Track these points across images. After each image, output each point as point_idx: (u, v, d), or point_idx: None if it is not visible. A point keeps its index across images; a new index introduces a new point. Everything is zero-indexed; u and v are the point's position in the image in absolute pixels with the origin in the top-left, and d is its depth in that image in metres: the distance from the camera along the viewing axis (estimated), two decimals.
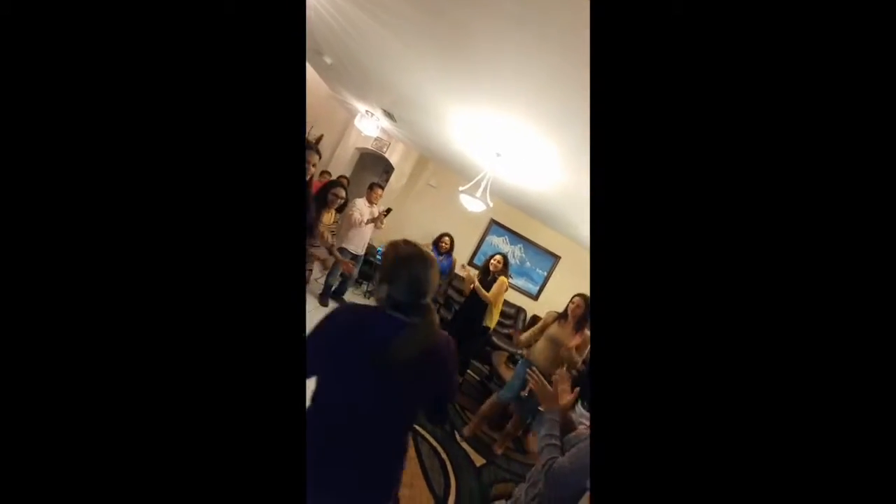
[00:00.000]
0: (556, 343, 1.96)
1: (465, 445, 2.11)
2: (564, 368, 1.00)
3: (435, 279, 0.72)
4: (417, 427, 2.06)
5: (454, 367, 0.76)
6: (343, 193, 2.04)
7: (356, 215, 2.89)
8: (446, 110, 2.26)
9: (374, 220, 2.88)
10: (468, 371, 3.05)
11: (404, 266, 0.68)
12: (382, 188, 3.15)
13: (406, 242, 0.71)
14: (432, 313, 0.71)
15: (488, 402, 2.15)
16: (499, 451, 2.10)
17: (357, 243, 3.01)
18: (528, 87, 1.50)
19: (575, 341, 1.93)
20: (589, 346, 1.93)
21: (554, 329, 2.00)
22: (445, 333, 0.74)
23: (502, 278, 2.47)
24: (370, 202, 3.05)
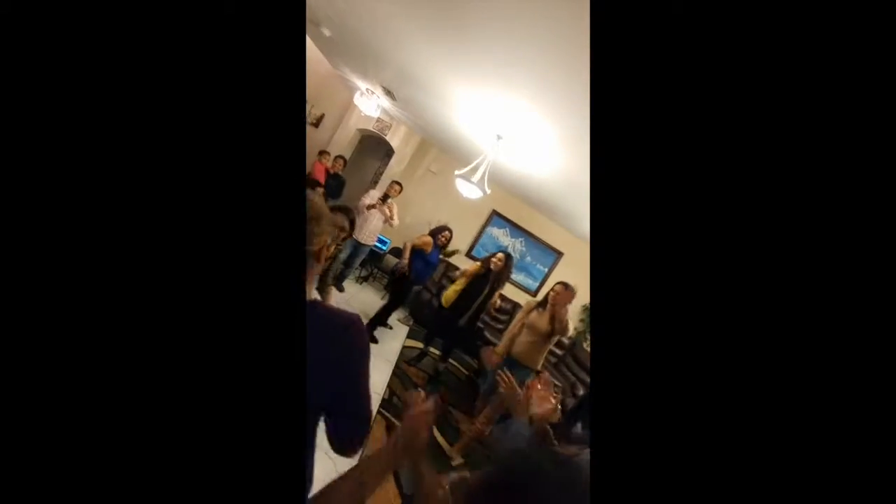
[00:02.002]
0: (533, 332, 1.93)
1: (442, 441, 2.00)
2: (546, 374, 0.86)
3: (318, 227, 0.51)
4: (385, 412, 1.97)
5: (358, 361, 0.53)
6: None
7: (364, 200, 2.98)
8: (447, 88, 2.11)
9: (373, 206, 2.88)
10: (451, 361, 2.97)
11: None
12: (401, 187, 3.14)
13: None
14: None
15: (479, 403, 2.05)
16: (456, 456, 1.95)
17: (365, 231, 3.02)
18: (533, 66, 1.37)
19: (532, 316, 1.92)
20: (566, 331, 1.91)
21: (532, 317, 1.98)
22: (348, 313, 0.54)
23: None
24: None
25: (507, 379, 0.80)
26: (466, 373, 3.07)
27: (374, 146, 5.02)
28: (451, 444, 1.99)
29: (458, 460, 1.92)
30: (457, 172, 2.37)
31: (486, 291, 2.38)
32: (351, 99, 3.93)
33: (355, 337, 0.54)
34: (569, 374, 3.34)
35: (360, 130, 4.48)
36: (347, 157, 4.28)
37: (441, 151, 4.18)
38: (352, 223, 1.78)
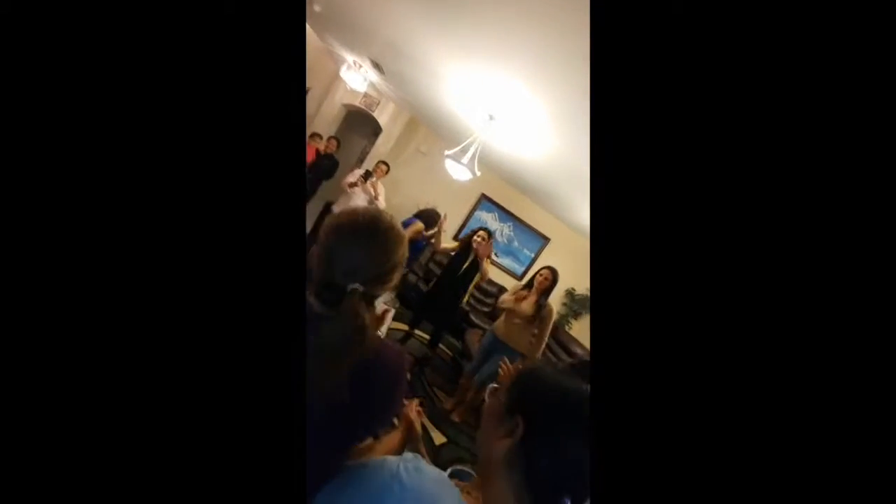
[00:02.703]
0: (515, 314, 1.96)
1: (426, 421, 2.04)
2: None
3: (391, 262, 0.48)
4: None
5: (396, 394, 0.52)
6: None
7: (348, 178, 2.92)
8: (439, 63, 2.01)
9: (355, 184, 2.79)
10: (440, 346, 3.00)
11: (353, 236, 0.46)
12: (388, 168, 3.02)
13: (371, 212, 0.49)
14: (355, 305, 0.45)
15: (465, 376, 2.10)
16: (457, 419, 2.06)
17: None
18: (529, 46, 1.30)
19: (518, 303, 1.93)
20: (549, 323, 1.93)
21: (517, 301, 2.00)
22: (391, 344, 0.54)
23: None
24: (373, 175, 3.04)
25: (507, 367, 0.81)
26: (451, 354, 3.11)
27: (360, 123, 4.83)
28: (434, 425, 2.04)
29: (440, 439, 1.97)
30: (446, 152, 2.31)
31: (465, 266, 2.36)
32: (337, 72, 3.74)
33: (400, 379, 0.52)
34: (551, 356, 3.44)
35: (346, 106, 4.29)
36: (333, 133, 4.11)
37: (431, 131, 4.07)
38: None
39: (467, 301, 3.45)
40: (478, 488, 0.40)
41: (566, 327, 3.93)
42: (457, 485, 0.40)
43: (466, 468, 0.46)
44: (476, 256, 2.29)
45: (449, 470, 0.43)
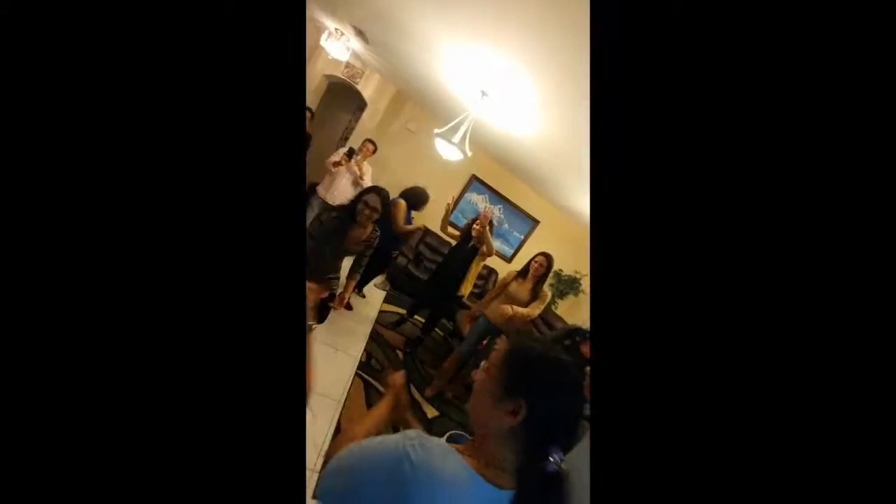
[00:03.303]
0: (511, 301, 2.00)
1: (417, 396, 2.08)
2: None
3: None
4: (363, 374, 2.00)
5: None
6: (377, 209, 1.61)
7: (332, 157, 2.76)
8: (429, 33, 1.89)
9: (339, 163, 2.67)
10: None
11: None
12: (375, 147, 2.85)
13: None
14: None
15: (450, 358, 2.12)
16: (429, 393, 2.11)
17: (332, 192, 2.81)
18: (525, 17, 1.22)
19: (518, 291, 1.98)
20: (541, 307, 2.00)
21: (512, 287, 2.03)
22: None
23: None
24: (358, 153, 2.87)
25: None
26: (441, 334, 3.15)
27: (343, 97, 4.58)
28: (427, 400, 2.08)
29: (432, 412, 2.02)
30: (436, 131, 2.22)
31: (461, 258, 2.36)
32: (317, 40, 3.47)
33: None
34: (536, 333, 3.53)
35: (328, 76, 4.04)
36: (313, 107, 3.88)
37: (419, 106, 3.91)
38: (384, 202, 1.62)
39: (471, 291, 3.45)
40: (475, 450, 0.43)
41: (552, 307, 4.03)
42: (455, 448, 0.42)
43: (460, 431, 0.49)
44: (476, 242, 2.28)
45: (446, 435, 0.46)
